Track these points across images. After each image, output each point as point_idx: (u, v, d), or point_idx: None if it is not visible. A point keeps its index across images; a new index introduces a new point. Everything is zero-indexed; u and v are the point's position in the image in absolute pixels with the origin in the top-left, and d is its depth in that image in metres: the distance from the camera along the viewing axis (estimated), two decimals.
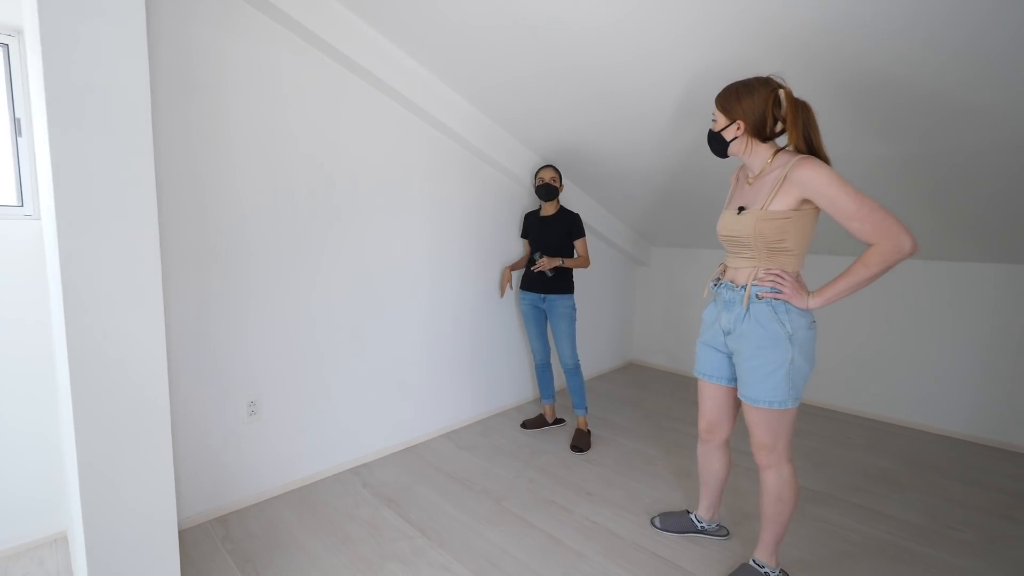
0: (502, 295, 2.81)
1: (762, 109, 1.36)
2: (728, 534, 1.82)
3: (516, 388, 3.10)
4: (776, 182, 1.35)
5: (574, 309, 2.56)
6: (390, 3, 1.81)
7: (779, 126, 1.39)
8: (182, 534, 1.75)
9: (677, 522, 1.84)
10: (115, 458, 1.19)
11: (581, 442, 2.51)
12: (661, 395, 3.38)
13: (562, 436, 2.66)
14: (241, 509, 1.91)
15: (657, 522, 1.86)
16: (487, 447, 2.51)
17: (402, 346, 2.42)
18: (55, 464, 1.75)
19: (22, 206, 1.74)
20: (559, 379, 3.27)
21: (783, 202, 1.33)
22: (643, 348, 4.16)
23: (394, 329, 2.37)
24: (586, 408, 2.61)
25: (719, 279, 1.54)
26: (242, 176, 1.81)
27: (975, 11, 1.30)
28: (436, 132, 2.43)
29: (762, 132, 1.39)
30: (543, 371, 2.73)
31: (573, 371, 2.58)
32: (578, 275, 3.32)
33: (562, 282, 2.54)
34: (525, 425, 2.75)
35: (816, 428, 2.84)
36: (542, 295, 2.57)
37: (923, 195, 2.22)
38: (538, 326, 2.66)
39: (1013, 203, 2.09)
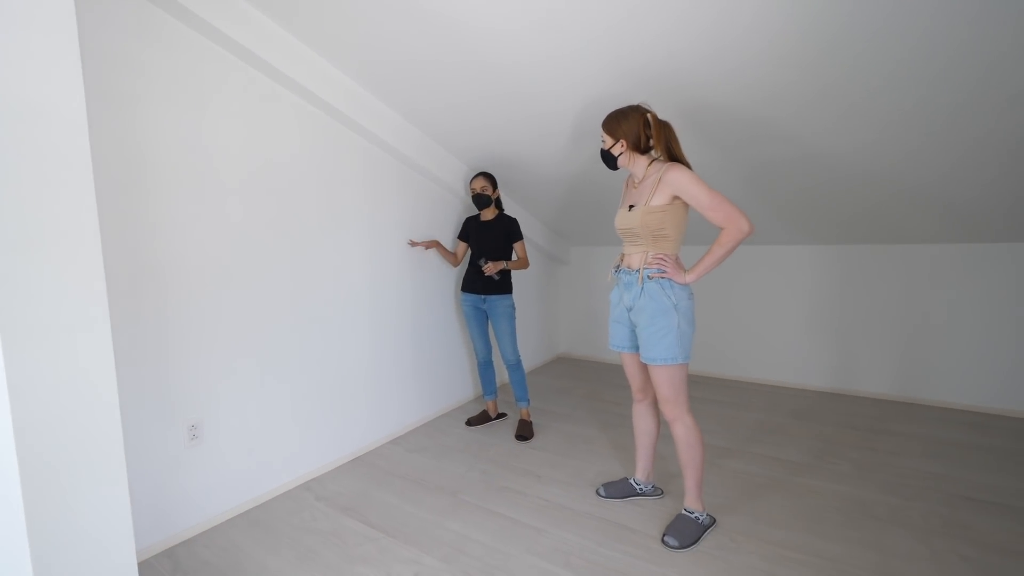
0: (412, 245, 2.70)
1: (636, 129, 1.72)
2: (663, 493, 2.07)
3: (458, 388, 3.20)
4: (653, 184, 1.69)
5: (513, 308, 2.72)
6: (317, 16, 1.84)
7: (651, 141, 1.74)
8: None
9: (619, 488, 2.06)
10: (66, 502, 1.12)
11: (525, 431, 2.67)
12: (590, 382, 3.66)
13: (506, 429, 2.80)
14: (189, 539, 1.82)
15: (602, 491, 2.07)
16: (436, 447, 2.59)
17: (345, 357, 2.42)
18: None
19: None
20: (499, 375, 3.42)
21: (660, 199, 1.67)
22: (570, 341, 4.44)
23: (336, 340, 2.37)
24: (528, 400, 2.78)
25: (618, 266, 1.84)
26: (172, 191, 1.74)
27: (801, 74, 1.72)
28: (369, 144, 2.46)
29: (639, 147, 1.74)
30: (485, 368, 2.86)
31: (515, 366, 2.74)
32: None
33: (502, 283, 2.70)
34: (470, 423, 2.86)
35: (723, 397, 3.26)
36: (483, 296, 2.70)
37: (759, 189, 2.74)
38: (479, 326, 2.78)
39: (825, 199, 2.68)
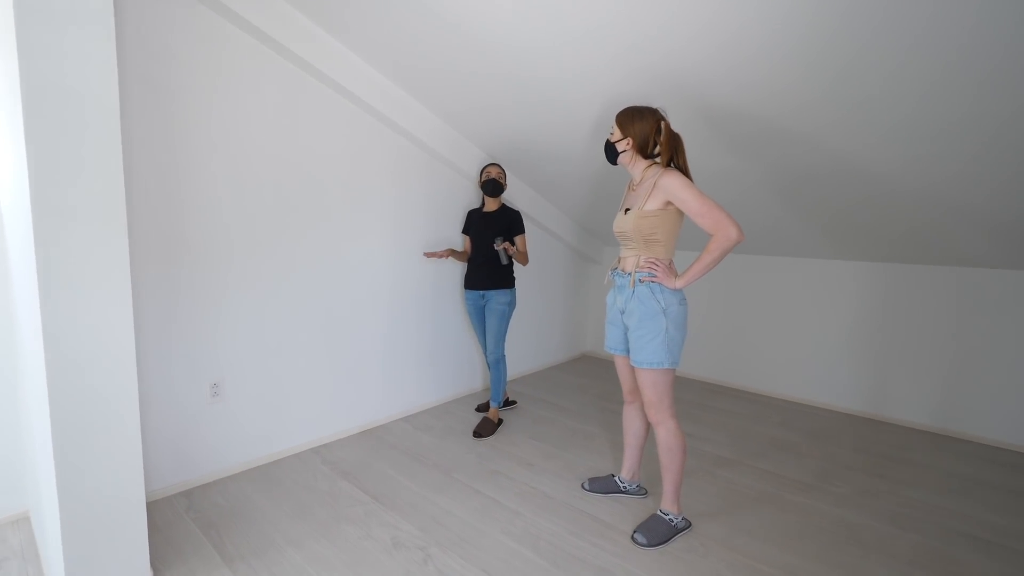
0: (428, 256, 2.69)
1: (648, 133, 1.72)
2: (646, 494, 2.09)
3: (471, 376, 3.32)
4: (648, 188, 1.70)
5: (510, 306, 2.72)
6: (346, 12, 1.98)
7: (657, 149, 1.74)
8: (148, 506, 1.89)
9: (603, 484, 2.11)
10: (87, 434, 1.31)
11: (484, 429, 2.63)
12: (607, 381, 3.67)
13: (512, 418, 2.90)
14: (205, 484, 2.06)
15: (586, 485, 2.12)
16: (441, 428, 2.72)
17: (362, 334, 2.60)
18: (14, 449, 1.84)
19: None
20: (510, 368, 3.50)
21: (653, 203, 1.68)
22: (596, 340, 4.44)
23: (356, 318, 2.55)
24: (499, 402, 2.77)
25: (615, 268, 1.86)
26: (207, 172, 1.96)
27: (820, 80, 1.65)
28: (391, 132, 2.59)
29: (644, 151, 1.74)
30: None
31: (495, 365, 2.74)
32: (533, 271, 3.57)
33: (503, 278, 2.70)
34: (479, 409, 2.97)
35: (740, 409, 3.18)
36: (481, 292, 2.72)
37: (770, 197, 2.63)
38: (481, 323, 2.80)
39: (869, 214, 2.52)
